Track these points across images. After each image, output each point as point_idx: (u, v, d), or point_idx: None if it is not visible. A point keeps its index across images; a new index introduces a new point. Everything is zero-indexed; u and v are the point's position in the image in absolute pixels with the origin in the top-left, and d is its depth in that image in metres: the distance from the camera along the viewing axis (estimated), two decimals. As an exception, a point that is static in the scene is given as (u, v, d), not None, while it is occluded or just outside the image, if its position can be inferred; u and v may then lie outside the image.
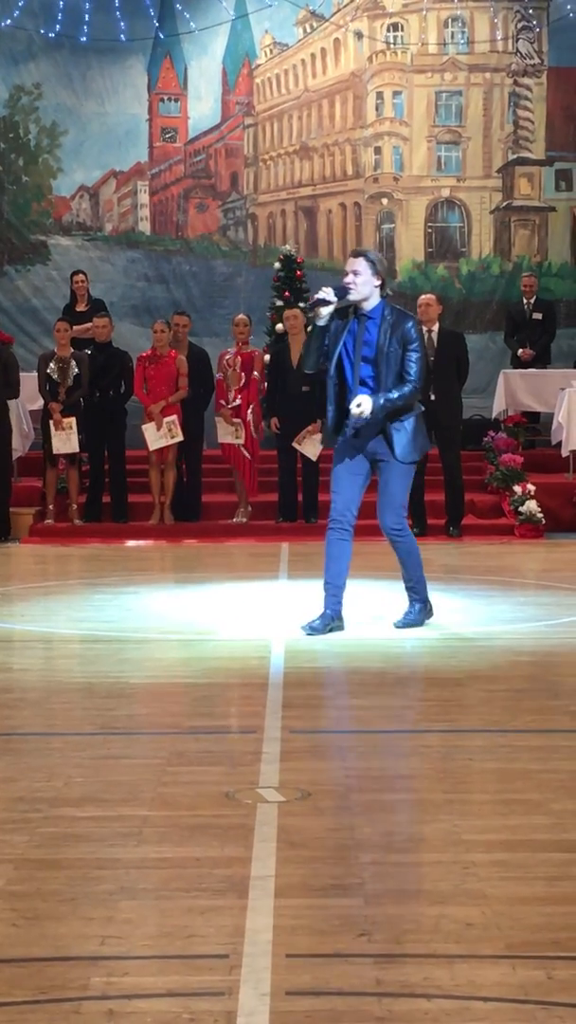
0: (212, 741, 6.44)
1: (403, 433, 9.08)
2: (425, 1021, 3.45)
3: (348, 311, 9.02)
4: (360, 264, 8.98)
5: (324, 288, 9.01)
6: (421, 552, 9.47)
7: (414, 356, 9.00)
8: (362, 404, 8.88)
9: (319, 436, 15.43)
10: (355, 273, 8.96)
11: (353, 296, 8.94)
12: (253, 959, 3.82)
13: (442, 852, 4.78)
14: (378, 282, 9.02)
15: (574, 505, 15.76)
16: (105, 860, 4.69)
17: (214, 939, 3.99)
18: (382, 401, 8.90)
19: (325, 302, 8.88)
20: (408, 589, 9.45)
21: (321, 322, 8.95)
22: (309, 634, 9.04)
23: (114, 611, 10.47)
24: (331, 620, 9.18)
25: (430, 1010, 3.52)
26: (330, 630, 9.12)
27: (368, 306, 9.01)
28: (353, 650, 8.73)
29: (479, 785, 5.77)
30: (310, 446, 15.52)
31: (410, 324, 9.05)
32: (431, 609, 9.51)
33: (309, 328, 8.96)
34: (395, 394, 8.92)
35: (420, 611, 9.43)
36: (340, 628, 9.18)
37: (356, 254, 9.18)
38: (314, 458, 15.52)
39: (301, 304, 17.65)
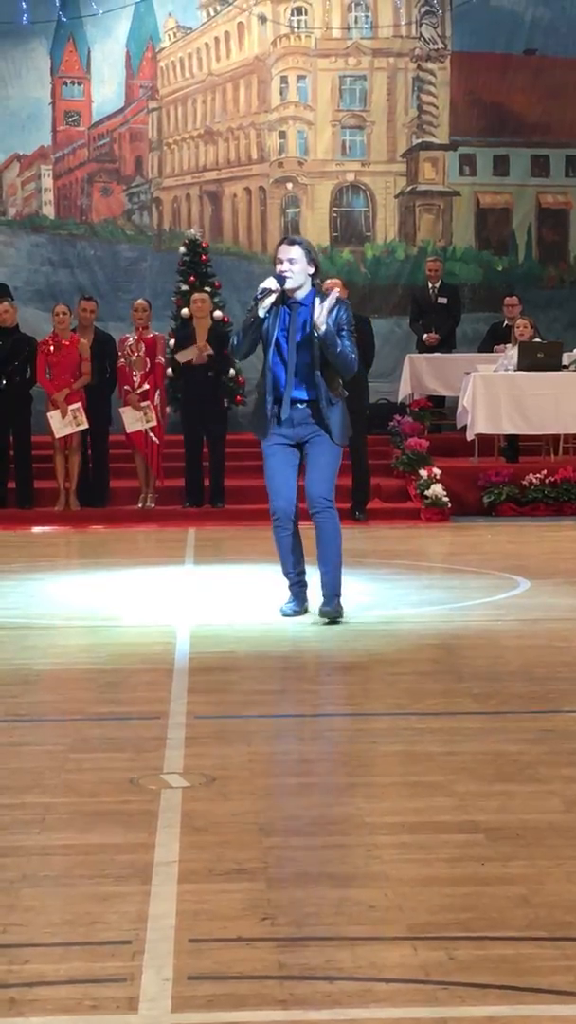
0: (116, 727, 6.43)
1: (336, 417, 9.09)
2: (327, 1003, 3.47)
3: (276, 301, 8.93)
4: (296, 252, 8.94)
5: (268, 279, 8.94)
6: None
7: (347, 340, 8.92)
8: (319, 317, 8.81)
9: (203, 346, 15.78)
10: (291, 261, 8.90)
11: (289, 284, 8.88)
12: (156, 945, 3.83)
13: (345, 835, 4.80)
14: (312, 270, 9.00)
15: (479, 489, 15.84)
16: (7, 848, 4.68)
17: (117, 925, 3.99)
18: (328, 327, 8.79)
19: (270, 292, 8.83)
20: (300, 575, 9.29)
21: (262, 312, 8.85)
22: (287, 615, 9.17)
23: (19, 597, 10.42)
24: (303, 605, 9.27)
25: (332, 992, 3.53)
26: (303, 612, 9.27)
27: (300, 294, 8.96)
28: (258, 635, 8.74)
29: (382, 768, 5.80)
30: (189, 354, 15.72)
31: (343, 308, 8.99)
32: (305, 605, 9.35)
33: (251, 319, 8.91)
34: (345, 341, 8.90)
35: (300, 602, 9.33)
36: (303, 612, 9.26)
37: (291, 242, 9.12)
38: (181, 360, 15.83)
39: (207, 289, 17.64)
